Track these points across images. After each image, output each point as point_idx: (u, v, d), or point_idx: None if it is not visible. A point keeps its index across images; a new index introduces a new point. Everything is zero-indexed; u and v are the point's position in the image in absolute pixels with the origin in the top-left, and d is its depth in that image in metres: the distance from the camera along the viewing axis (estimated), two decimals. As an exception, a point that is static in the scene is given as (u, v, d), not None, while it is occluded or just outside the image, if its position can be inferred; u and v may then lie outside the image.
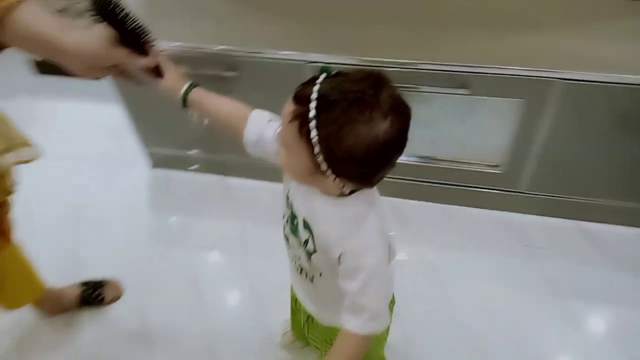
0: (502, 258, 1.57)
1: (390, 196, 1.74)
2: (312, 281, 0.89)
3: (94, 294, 1.47)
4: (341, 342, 0.80)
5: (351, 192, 0.74)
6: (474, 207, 1.71)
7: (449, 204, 1.73)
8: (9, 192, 1.10)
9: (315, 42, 1.43)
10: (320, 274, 0.85)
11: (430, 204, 1.74)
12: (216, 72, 1.44)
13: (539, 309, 1.43)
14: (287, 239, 0.88)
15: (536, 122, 1.42)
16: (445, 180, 1.67)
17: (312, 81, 0.64)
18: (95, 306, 1.48)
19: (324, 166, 0.65)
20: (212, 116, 0.87)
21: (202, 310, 1.46)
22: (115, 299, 1.50)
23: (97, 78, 0.87)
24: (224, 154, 1.78)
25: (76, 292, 1.46)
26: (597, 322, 1.41)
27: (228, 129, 0.86)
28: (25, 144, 1.13)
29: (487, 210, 1.71)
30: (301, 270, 0.90)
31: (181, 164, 1.86)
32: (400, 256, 1.56)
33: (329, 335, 0.99)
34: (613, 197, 1.58)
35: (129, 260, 1.61)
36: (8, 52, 2.54)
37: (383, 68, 1.34)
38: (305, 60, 1.39)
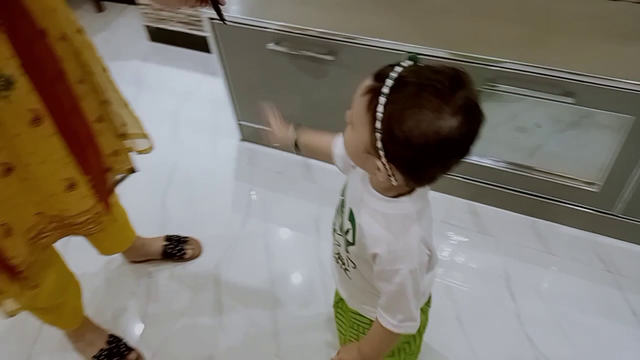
0: (584, 281, 1.47)
1: (471, 199, 1.70)
2: (345, 271, 0.92)
3: (176, 249, 1.57)
4: (376, 333, 0.85)
5: (399, 195, 0.75)
6: (561, 224, 1.62)
7: (535, 217, 1.65)
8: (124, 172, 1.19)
9: (418, 34, 1.41)
10: (354, 266, 0.87)
11: (513, 213, 1.67)
12: (315, 54, 1.48)
13: (621, 340, 1.34)
14: (334, 224, 0.91)
15: (645, 143, 1.31)
16: (534, 191, 1.59)
17: (396, 64, 0.65)
18: (176, 260, 1.59)
19: (379, 144, 0.64)
20: (314, 151, 0.98)
21: (270, 281, 1.52)
22: (195, 256, 1.60)
23: (183, 6, 0.95)
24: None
25: (161, 244, 1.57)
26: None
27: (323, 156, 0.94)
28: (142, 135, 1.20)
29: (575, 229, 1.61)
30: (339, 257, 0.93)
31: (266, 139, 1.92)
32: (474, 263, 1.53)
33: (356, 323, 1.02)
34: None
35: (210, 223, 1.70)
36: (126, 20, 2.77)
37: (485, 66, 1.32)
38: (404, 51, 1.38)
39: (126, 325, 1.46)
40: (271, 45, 1.53)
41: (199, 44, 2.40)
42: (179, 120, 2.13)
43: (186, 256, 1.58)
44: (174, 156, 1.96)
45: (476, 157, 1.60)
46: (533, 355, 1.32)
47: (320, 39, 1.46)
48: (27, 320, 1.27)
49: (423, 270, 0.77)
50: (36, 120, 0.84)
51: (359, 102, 0.67)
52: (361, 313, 0.98)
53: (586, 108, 1.31)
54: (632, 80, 1.21)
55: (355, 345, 0.95)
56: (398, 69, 0.63)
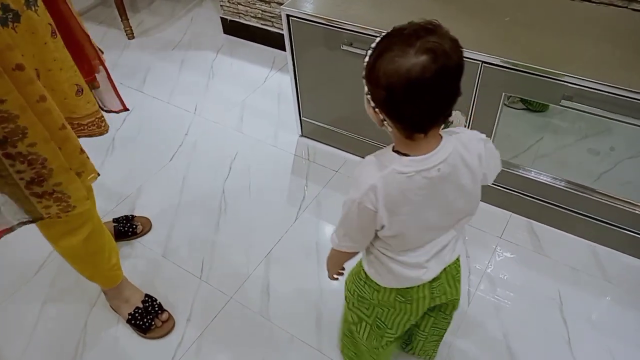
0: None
1: (530, 218, 1.65)
2: None
3: (127, 226, 1.66)
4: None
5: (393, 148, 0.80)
6: (627, 253, 1.55)
7: (595, 242, 1.58)
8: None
9: (497, 44, 1.39)
10: None
11: (573, 236, 1.60)
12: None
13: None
14: None
15: None
16: (597, 215, 1.53)
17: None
18: (130, 237, 1.67)
19: (365, 89, 0.75)
20: None
21: (317, 276, 1.54)
22: (146, 230, 1.70)
23: None
24: (365, 138, 1.84)
25: (111, 226, 1.64)
26: None
27: None
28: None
29: (636, 259, 1.53)
30: None
31: (327, 138, 1.95)
32: (527, 283, 1.49)
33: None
34: None
35: (265, 212, 1.75)
36: (203, 10, 2.89)
37: (563, 83, 1.28)
38: (480, 60, 1.36)
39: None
40: (345, 47, 1.55)
41: (271, 39, 2.47)
42: (244, 111, 2.20)
43: (138, 230, 1.67)
44: (236, 145, 2.02)
45: (538, 173, 1.55)
46: (581, 385, 1.27)
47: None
48: (87, 283, 1.37)
49: (363, 216, 0.82)
50: (54, 33, 1.00)
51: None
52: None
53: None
54: None
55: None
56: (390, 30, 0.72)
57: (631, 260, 1.53)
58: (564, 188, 1.52)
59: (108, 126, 1.26)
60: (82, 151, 1.10)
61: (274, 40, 2.47)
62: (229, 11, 2.54)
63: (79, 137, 1.14)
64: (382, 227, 0.83)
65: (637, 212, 1.44)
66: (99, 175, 1.17)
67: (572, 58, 1.33)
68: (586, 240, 1.59)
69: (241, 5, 2.45)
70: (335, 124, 1.90)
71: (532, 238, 1.61)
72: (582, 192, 1.50)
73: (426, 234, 0.88)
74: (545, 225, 1.64)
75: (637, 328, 1.37)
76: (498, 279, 1.51)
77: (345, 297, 1.12)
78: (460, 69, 0.71)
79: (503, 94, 1.41)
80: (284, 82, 2.31)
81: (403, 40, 0.69)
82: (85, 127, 1.19)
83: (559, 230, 1.62)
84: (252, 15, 2.47)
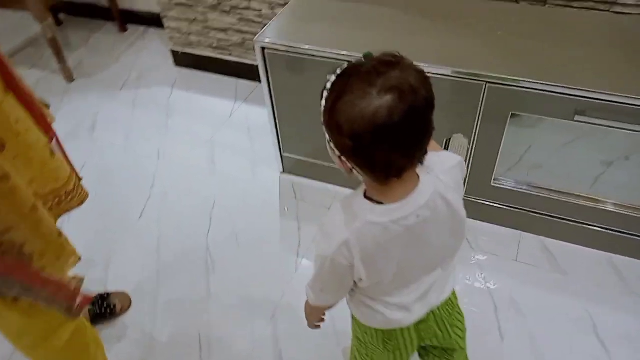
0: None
1: (544, 235, 1.58)
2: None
3: (103, 307, 1.43)
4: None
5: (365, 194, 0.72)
6: (641, 259, 1.50)
7: (611, 252, 1.52)
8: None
9: (498, 60, 1.30)
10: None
11: (587, 249, 1.54)
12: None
13: None
14: None
15: None
16: (610, 225, 1.47)
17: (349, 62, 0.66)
18: (109, 319, 1.44)
19: (326, 136, 0.66)
20: None
21: (333, 329, 1.39)
22: (125, 308, 1.46)
23: None
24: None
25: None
26: None
27: None
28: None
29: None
30: None
31: (312, 172, 1.81)
32: (556, 308, 1.40)
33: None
34: None
35: (259, 265, 1.57)
36: (148, 42, 2.66)
37: (574, 97, 1.20)
38: (484, 81, 1.27)
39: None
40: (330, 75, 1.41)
41: (230, 68, 2.29)
42: (214, 150, 2.00)
43: (117, 310, 1.43)
44: (212, 190, 1.83)
45: (546, 187, 1.48)
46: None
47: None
48: None
49: (338, 270, 0.75)
50: (5, 90, 0.83)
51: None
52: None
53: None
54: None
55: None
56: (345, 65, 0.64)
57: (650, 267, 1.49)
58: (575, 202, 1.46)
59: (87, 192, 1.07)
60: (60, 234, 0.91)
61: (233, 69, 2.29)
62: (180, 43, 2.33)
63: (68, 210, 0.99)
64: (360, 279, 0.76)
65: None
66: (80, 258, 0.98)
67: (578, 70, 1.26)
68: (601, 252, 1.53)
69: (193, 35, 2.26)
70: (319, 157, 1.75)
71: (547, 256, 1.53)
72: (590, 203, 1.45)
73: (410, 276, 0.80)
74: (557, 241, 1.57)
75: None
76: (525, 306, 1.41)
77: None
78: (430, 103, 0.63)
79: (510, 113, 1.32)
80: (253, 114, 2.14)
81: (362, 79, 0.61)
82: (74, 194, 1.00)
83: (572, 245, 1.55)
84: (206, 45, 2.28)
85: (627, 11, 1.48)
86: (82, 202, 1.07)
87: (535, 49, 1.34)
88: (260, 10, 2.00)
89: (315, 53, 1.41)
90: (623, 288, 1.44)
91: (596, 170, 1.46)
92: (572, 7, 1.54)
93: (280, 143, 1.77)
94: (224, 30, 2.17)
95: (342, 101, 0.61)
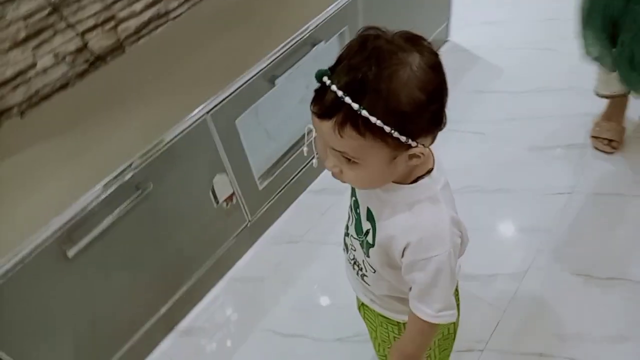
0: None
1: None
2: (363, 277, 0.86)
3: None
4: (414, 328, 0.78)
5: (419, 179, 0.70)
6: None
7: None
8: None
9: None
10: (374, 271, 0.82)
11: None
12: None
13: None
14: (347, 228, 0.86)
15: None
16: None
17: (322, 90, 0.61)
18: None
19: (402, 138, 0.60)
20: None
21: None
22: None
23: None
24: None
25: None
26: None
27: None
28: None
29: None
30: (354, 263, 0.87)
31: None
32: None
33: (384, 321, 0.94)
34: None
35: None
36: None
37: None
38: (205, 113, 1.22)
39: None
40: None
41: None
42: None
43: None
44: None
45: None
46: None
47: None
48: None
49: (456, 254, 0.73)
50: None
51: (346, 140, 0.61)
52: (386, 316, 0.91)
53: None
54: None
55: (394, 347, 0.87)
56: (333, 86, 0.59)
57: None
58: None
59: None
60: None
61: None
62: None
63: None
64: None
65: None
66: None
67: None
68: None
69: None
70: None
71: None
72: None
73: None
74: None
75: None
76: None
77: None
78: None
79: (234, 121, 1.32)
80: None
81: (383, 57, 0.59)
82: None
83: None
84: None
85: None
86: None
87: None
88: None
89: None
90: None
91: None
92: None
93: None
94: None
95: (395, 84, 0.58)
